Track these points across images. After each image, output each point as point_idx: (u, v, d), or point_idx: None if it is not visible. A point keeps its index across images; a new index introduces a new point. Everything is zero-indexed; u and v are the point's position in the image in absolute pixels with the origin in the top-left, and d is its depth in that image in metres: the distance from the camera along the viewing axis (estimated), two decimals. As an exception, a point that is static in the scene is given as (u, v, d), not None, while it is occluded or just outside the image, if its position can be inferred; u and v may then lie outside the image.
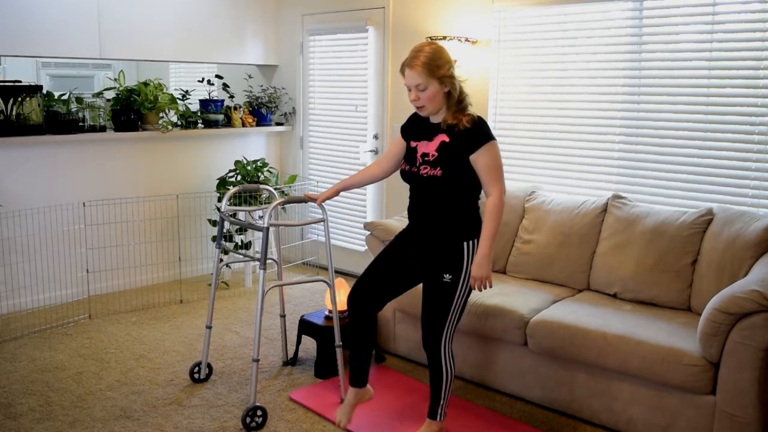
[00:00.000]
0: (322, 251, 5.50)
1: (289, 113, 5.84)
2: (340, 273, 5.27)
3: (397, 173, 2.98)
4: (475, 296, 3.35)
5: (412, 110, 2.85)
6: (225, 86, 5.55)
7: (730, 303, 2.66)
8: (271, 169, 5.35)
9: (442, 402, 2.85)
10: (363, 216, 5.31)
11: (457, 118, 2.69)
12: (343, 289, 3.59)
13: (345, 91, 5.40)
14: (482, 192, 2.76)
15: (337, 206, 5.44)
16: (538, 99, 4.26)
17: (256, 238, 5.24)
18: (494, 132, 2.82)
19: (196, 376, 3.51)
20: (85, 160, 4.75)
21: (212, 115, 5.36)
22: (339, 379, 3.33)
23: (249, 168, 5.14)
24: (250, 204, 5.04)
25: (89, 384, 3.47)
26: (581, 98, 4.07)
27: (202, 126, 5.37)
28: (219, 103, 5.41)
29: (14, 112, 4.31)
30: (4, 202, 4.28)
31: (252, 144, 5.72)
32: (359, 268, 4.92)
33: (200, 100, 5.41)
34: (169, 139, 5.16)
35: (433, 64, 2.64)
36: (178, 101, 5.20)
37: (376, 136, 5.17)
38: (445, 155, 2.70)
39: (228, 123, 5.48)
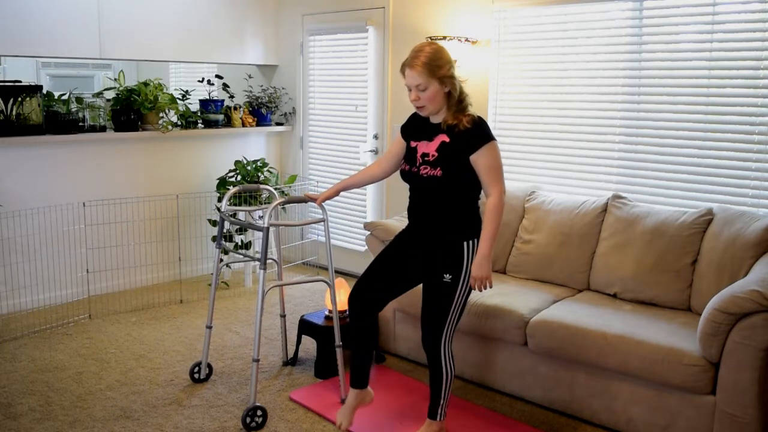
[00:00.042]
0: (322, 251, 5.50)
1: (289, 113, 5.84)
2: (340, 273, 5.27)
3: (397, 173, 2.98)
4: (475, 296, 3.35)
5: (412, 110, 2.85)
6: (225, 86, 5.55)
7: (730, 303, 2.66)
8: (271, 169, 5.35)
9: (442, 402, 2.85)
10: (363, 216, 5.31)
11: (458, 118, 2.69)
12: (343, 289, 3.59)
13: (345, 91, 5.40)
14: (482, 192, 2.76)
15: (337, 206, 5.44)
16: (538, 99, 4.26)
17: (256, 238, 5.24)
18: (494, 132, 2.82)
19: (196, 376, 3.51)
20: (85, 160, 4.75)
21: (212, 115, 5.36)
22: (339, 379, 3.33)
23: (249, 168, 5.14)
24: (250, 204, 5.04)
25: (89, 384, 3.47)
26: (581, 98, 4.07)
27: (202, 126, 5.37)
28: (219, 103, 5.41)
29: (14, 112, 4.31)
30: (4, 202, 4.28)
31: (252, 144, 5.72)
32: (359, 268, 4.92)
33: (200, 100, 5.41)
34: (169, 139, 5.16)
35: (433, 64, 2.64)
36: (178, 101, 5.20)
37: (376, 136, 5.17)
38: (445, 155, 2.70)
39: (228, 123, 5.48)
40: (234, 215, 3.77)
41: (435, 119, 2.77)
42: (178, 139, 5.23)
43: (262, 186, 3.70)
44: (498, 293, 3.42)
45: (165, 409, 3.21)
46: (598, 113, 4.00)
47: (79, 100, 4.72)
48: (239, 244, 5.11)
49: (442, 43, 3.99)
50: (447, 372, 2.81)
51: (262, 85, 5.80)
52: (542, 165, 4.26)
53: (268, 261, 3.22)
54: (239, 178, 5.09)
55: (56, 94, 4.66)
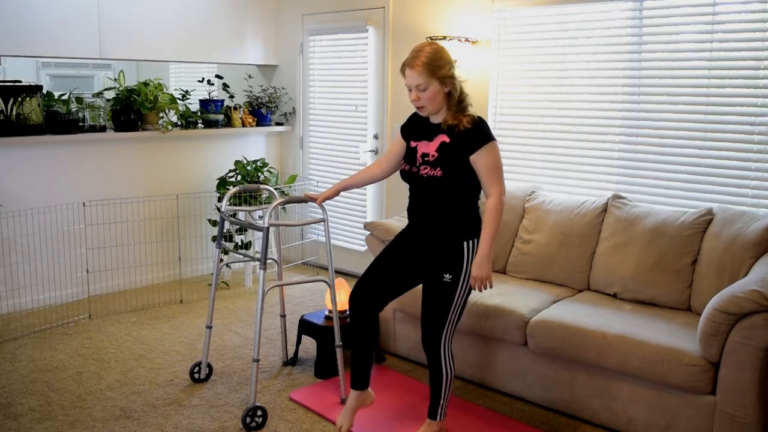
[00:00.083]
0: (322, 251, 5.50)
1: (289, 113, 5.84)
2: (340, 273, 5.27)
3: (397, 173, 2.98)
4: (475, 296, 3.35)
5: (412, 110, 2.85)
6: (225, 86, 5.55)
7: (730, 303, 2.66)
8: (271, 169, 5.35)
9: (442, 402, 2.85)
10: (363, 216, 5.31)
11: (458, 118, 2.69)
12: (343, 289, 3.60)
13: (345, 91, 5.40)
14: (482, 192, 2.76)
15: (337, 206, 5.44)
16: (538, 99, 4.26)
17: (256, 238, 5.24)
18: (494, 132, 2.82)
19: (196, 376, 3.51)
20: (85, 160, 4.75)
21: (212, 115, 5.36)
22: (339, 379, 3.33)
23: (249, 168, 5.14)
24: (250, 204, 5.04)
25: (89, 384, 3.47)
26: (581, 98, 4.07)
27: (202, 126, 5.37)
28: (219, 103, 5.41)
29: (14, 112, 4.31)
30: (4, 202, 4.28)
31: (252, 144, 5.72)
32: (359, 268, 4.92)
33: (200, 100, 5.41)
34: (169, 139, 5.16)
35: (433, 65, 2.64)
36: (178, 101, 5.20)
37: (376, 136, 5.17)
38: (445, 155, 2.70)
39: (228, 123, 5.48)
40: (234, 215, 3.77)
41: (435, 119, 2.77)
42: (178, 139, 5.23)
43: (262, 186, 3.70)
44: (498, 293, 3.42)
45: (165, 409, 3.21)
46: (598, 113, 4.00)
47: (79, 100, 4.72)
48: (239, 244, 5.11)
49: (442, 43, 3.99)
50: (447, 372, 2.81)
51: (262, 85, 5.80)
52: (542, 165, 4.26)
53: (268, 261, 3.22)
54: (239, 178, 5.09)
55: (56, 94, 4.66)
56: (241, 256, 4.87)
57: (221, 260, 3.85)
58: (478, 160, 2.66)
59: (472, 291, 2.77)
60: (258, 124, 5.67)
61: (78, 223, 4.63)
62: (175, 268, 5.16)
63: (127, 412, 3.18)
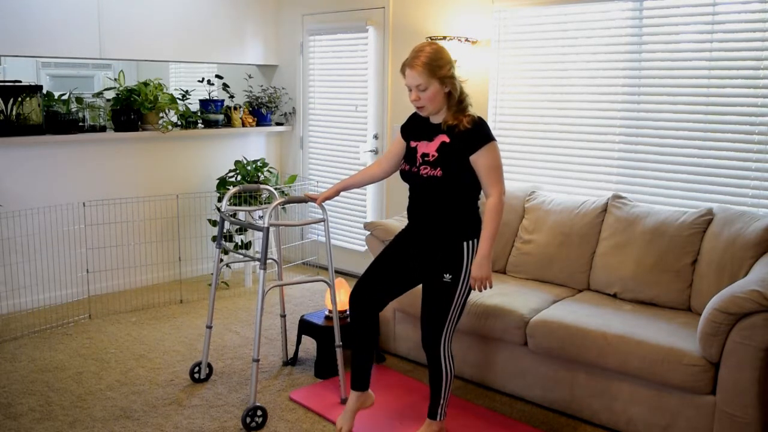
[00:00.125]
0: (322, 251, 5.50)
1: (289, 113, 5.84)
2: (340, 273, 5.27)
3: (397, 173, 2.98)
4: (475, 296, 3.35)
5: (412, 110, 2.85)
6: (225, 86, 5.55)
7: (730, 303, 2.66)
8: (271, 169, 5.35)
9: (442, 402, 2.85)
10: (363, 216, 5.31)
11: (458, 118, 2.69)
12: (343, 289, 3.60)
13: (345, 91, 5.40)
14: (482, 192, 2.76)
15: (337, 206, 5.44)
16: (538, 99, 4.26)
17: (256, 238, 5.24)
18: (494, 132, 2.82)
19: (196, 376, 3.51)
20: (85, 160, 4.75)
21: (212, 115, 5.36)
22: (339, 379, 3.33)
23: (249, 168, 5.14)
24: (250, 204, 5.04)
25: (89, 384, 3.47)
26: (581, 98, 4.07)
27: (202, 126, 5.37)
28: (219, 103, 5.41)
29: (14, 112, 4.31)
30: (4, 202, 4.28)
31: (252, 144, 5.72)
32: (359, 268, 4.92)
33: (200, 100, 5.41)
34: (169, 139, 5.16)
35: (434, 65, 2.64)
36: (178, 101, 5.20)
37: (376, 136, 5.17)
38: (445, 156, 2.70)
39: (228, 123, 5.48)
40: (234, 215, 3.77)
41: (435, 119, 2.77)
42: (178, 139, 5.23)
43: (262, 186, 3.70)
44: (498, 293, 3.42)
45: (165, 409, 3.21)
46: (598, 113, 4.00)
47: (79, 100, 4.72)
48: (239, 244, 5.11)
49: (442, 43, 3.99)
50: (447, 372, 2.81)
51: (262, 85, 5.80)
52: (542, 165, 4.26)
53: (268, 261, 3.22)
54: (239, 178, 5.09)
55: (56, 94, 4.66)
56: (241, 256, 4.87)
57: (221, 260, 3.85)
58: (478, 160, 2.66)
59: (472, 291, 2.77)
60: (258, 124, 5.67)
61: (78, 223, 4.63)
62: (175, 268, 5.16)
63: (127, 412, 3.18)
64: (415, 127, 2.86)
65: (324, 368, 3.56)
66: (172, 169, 5.22)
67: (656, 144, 3.78)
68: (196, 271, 5.39)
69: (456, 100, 2.71)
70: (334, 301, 3.32)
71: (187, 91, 5.35)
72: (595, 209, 3.69)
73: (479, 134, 2.67)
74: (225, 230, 4.96)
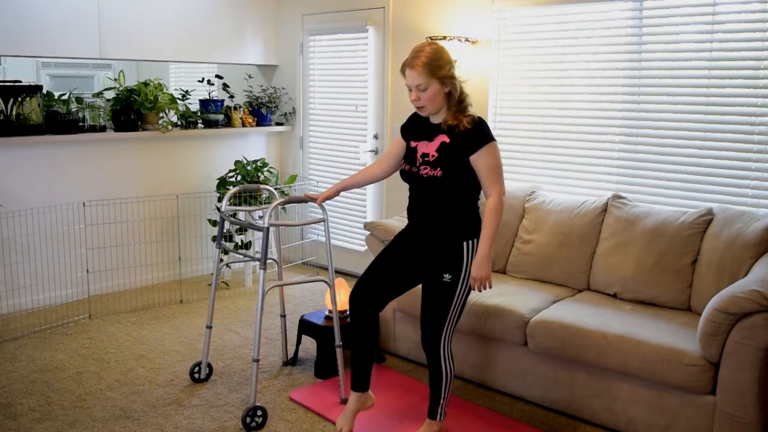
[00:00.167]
0: (322, 251, 5.50)
1: (289, 113, 5.84)
2: (340, 273, 5.27)
3: (397, 173, 2.98)
4: (475, 296, 3.35)
5: (412, 110, 2.85)
6: (225, 86, 5.55)
7: (730, 303, 2.66)
8: (271, 169, 5.36)
9: (441, 402, 2.85)
10: (363, 216, 5.31)
11: (458, 118, 2.69)
12: (343, 289, 3.60)
13: (345, 91, 5.40)
14: (482, 192, 2.76)
15: (337, 206, 5.44)
16: (538, 99, 4.26)
17: (256, 238, 5.24)
18: (494, 132, 2.83)
19: (196, 376, 3.51)
20: (85, 160, 4.75)
21: (212, 115, 5.37)
22: (339, 379, 3.33)
23: (249, 168, 5.14)
24: (250, 204, 5.04)
25: (89, 384, 3.47)
26: (581, 98, 4.07)
27: (202, 126, 5.37)
28: (219, 103, 5.41)
29: (14, 112, 4.31)
30: (4, 202, 4.28)
31: (252, 144, 5.72)
32: (359, 268, 4.92)
33: (200, 100, 5.41)
34: (169, 139, 5.16)
35: (434, 65, 2.64)
36: (178, 101, 5.20)
37: (376, 136, 5.17)
38: (445, 156, 2.70)
39: (228, 123, 5.48)
40: (234, 215, 3.77)
41: (435, 119, 2.77)
42: (178, 139, 5.23)
43: (262, 186, 3.70)
44: (498, 293, 3.42)
45: (165, 409, 3.21)
46: (598, 113, 4.00)
47: (79, 100, 4.72)
48: (239, 244, 5.11)
49: (442, 43, 3.99)
50: (447, 372, 2.81)
51: (262, 85, 5.80)
52: (542, 165, 4.26)
53: (268, 261, 3.22)
54: (239, 178, 5.09)
55: (56, 94, 4.66)
56: (241, 256, 4.87)
57: (221, 260, 3.85)
58: (478, 160, 2.66)
59: (472, 291, 2.77)
60: (258, 124, 5.67)
61: (78, 223, 4.63)
62: (175, 268, 5.16)
63: (127, 412, 3.18)
64: (415, 127, 2.86)
65: (324, 368, 3.56)
66: (172, 169, 5.22)
67: (656, 144, 3.78)
68: (196, 271, 5.39)
69: (456, 100, 2.71)
70: (334, 301, 3.32)
71: (187, 91, 5.35)
72: (595, 209, 3.69)
73: (479, 134, 2.67)
74: (225, 230, 4.96)
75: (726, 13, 3.52)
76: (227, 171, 5.21)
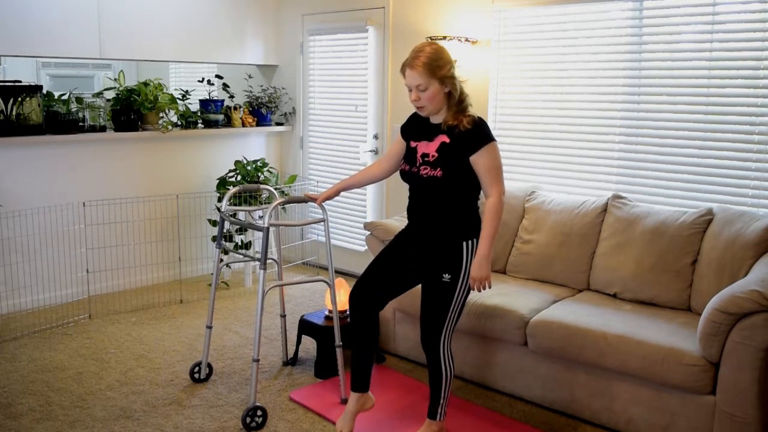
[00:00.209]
0: (322, 251, 5.50)
1: (289, 113, 5.84)
2: (340, 273, 5.27)
3: (397, 173, 2.98)
4: (475, 296, 3.35)
5: (412, 110, 2.85)
6: (225, 86, 5.55)
7: (730, 303, 2.66)
8: (271, 169, 5.36)
9: (441, 402, 2.85)
10: (363, 216, 5.31)
11: (458, 118, 2.69)
12: (343, 289, 3.60)
13: (345, 91, 5.40)
14: (482, 192, 2.76)
15: (337, 206, 5.44)
16: (538, 99, 4.26)
17: (256, 238, 5.24)
18: (494, 132, 2.83)
19: (196, 376, 3.51)
20: (85, 160, 4.75)
21: (212, 115, 5.37)
22: (339, 379, 3.33)
23: (249, 168, 5.14)
24: (250, 204, 5.04)
25: (89, 384, 3.47)
26: (581, 98, 4.07)
27: (202, 126, 5.37)
28: (219, 103, 5.41)
29: (14, 112, 4.31)
30: (4, 202, 4.28)
31: (252, 144, 5.72)
32: (359, 268, 4.92)
33: (200, 100, 5.41)
34: (169, 139, 5.16)
35: (434, 65, 2.64)
36: (178, 101, 5.20)
37: (376, 136, 5.17)
38: (445, 156, 2.70)
39: (228, 123, 5.48)
40: (234, 215, 3.77)
41: (435, 119, 2.77)
42: (178, 139, 5.23)
43: (262, 186, 3.70)
44: (498, 293, 3.42)
45: (165, 409, 3.21)
46: (598, 113, 4.00)
47: (79, 100, 4.72)
48: (239, 244, 5.11)
49: (442, 43, 3.99)
50: (446, 372, 2.81)
51: (262, 85, 5.80)
52: (542, 165, 4.26)
53: (268, 261, 3.22)
54: (239, 178, 5.09)
55: (56, 94, 4.66)
56: (241, 256, 4.87)
57: (221, 260, 3.85)
58: (478, 160, 2.66)
59: (472, 291, 2.77)
60: (258, 124, 5.67)
61: (78, 223, 4.63)
62: (175, 268, 5.16)
63: (127, 412, 3.18)
64: (415, 127, 2.86)
65: (324, 368, 3.56)
66: (172, 169, 5.22)
67: (656, 144, 3.78)
68: (196, 271, 5.39)
69: (456, 101, 2.70)
70: (334, 301, 3.33)
71: (187, 91, 5.35)
72: (595, 209, 3.70)
73: (479, 134, 2.67)
74: (225, 230, 4.96)
75: (726, 13, 3.52)
76: (227, 171, 5.21)
